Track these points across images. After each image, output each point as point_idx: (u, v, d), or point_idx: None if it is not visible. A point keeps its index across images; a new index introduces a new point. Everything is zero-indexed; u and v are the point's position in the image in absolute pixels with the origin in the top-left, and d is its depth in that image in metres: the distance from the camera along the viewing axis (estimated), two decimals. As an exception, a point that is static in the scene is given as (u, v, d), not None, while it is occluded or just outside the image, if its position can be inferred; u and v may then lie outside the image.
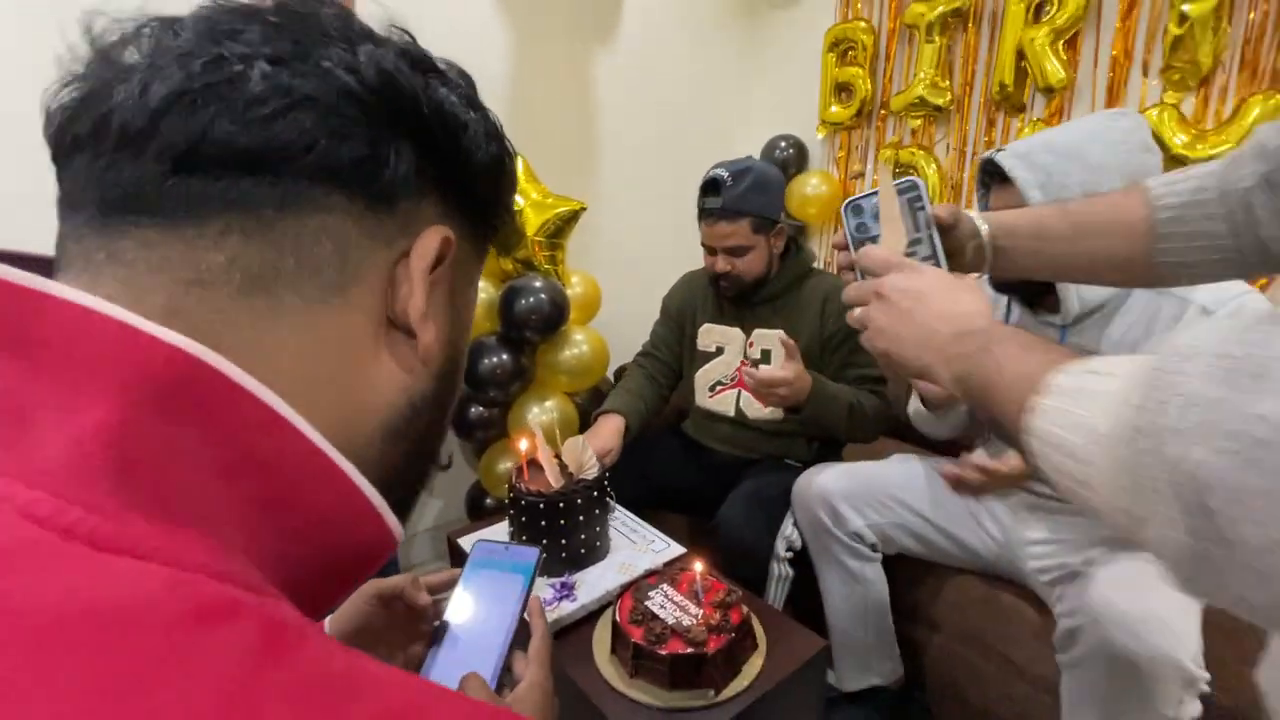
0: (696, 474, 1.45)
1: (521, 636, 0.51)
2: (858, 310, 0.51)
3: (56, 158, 0.25)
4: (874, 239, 0.55)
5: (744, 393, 1.41)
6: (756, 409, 1.39)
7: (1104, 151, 0.86)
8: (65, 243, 0.25)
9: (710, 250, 1.35)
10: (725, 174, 1.27)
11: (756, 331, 1.39)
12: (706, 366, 1.46)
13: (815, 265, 1.42)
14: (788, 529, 1.20)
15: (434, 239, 0.29)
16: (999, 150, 0.93)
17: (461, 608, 0.52)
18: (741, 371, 1.36)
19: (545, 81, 1.84)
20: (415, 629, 0.55)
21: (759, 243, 1.31)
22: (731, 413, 1.43)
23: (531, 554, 0.55)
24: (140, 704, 0.16)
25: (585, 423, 1.78)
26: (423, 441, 0.32)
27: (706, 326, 1.46)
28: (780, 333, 1.30)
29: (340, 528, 0.26)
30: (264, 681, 0.18)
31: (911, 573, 1.21)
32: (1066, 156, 0.87)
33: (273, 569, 0.23)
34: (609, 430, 1.33)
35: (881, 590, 1.18)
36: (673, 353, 1.53)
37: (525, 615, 0.51)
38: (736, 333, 1.42)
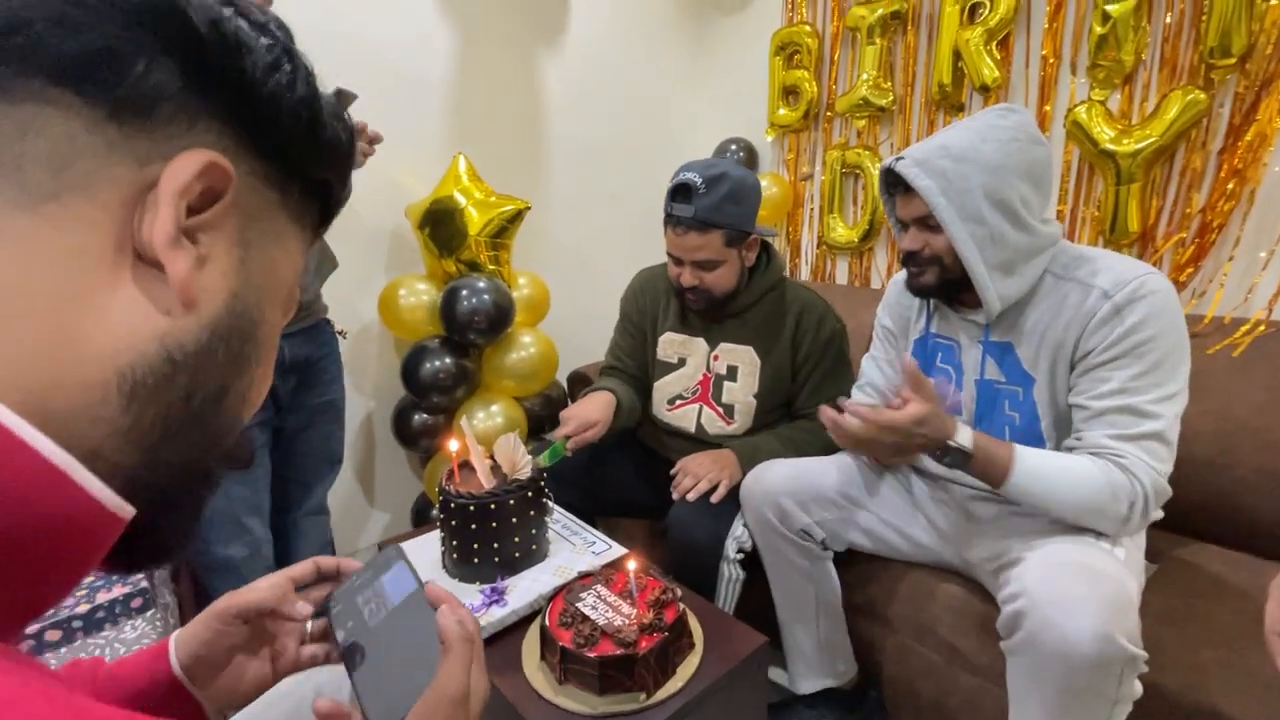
0: (652, 483, 1.34)
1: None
2: None
3: None
4: None
5: (705, 409, 1.33)
6: (719, 426, 1.31)
7: (996, 150, 0.87)
8: None
9: (676, 260, 1.22)
10: (698, 179, 1.13)
11: (723, 345, 1.29)
12: (666, 378, 1.36)
13: (785, 275, 1.33)
14: (738, 529, 1.16)
15: (192, 160, 0.25)
16: (897, 159, 0.93)
17: (363, 630, 0.48)
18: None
19: (491, 85, 1.81)
20: (283, 634, 0.51)
21: (730, 256, 1.19)
22: (691, 429, 1.33)
23: (393, 557, 0.52)
24: None
25: (534, 429, 1.73)
26: (190, 408, 0.26)
27: (668, 336, 1.35)
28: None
29: (13, 502, 0.21)
30: None
31: (865, 570, 1.19)
32: (963, 160, 0.87)
33: None
34: (599, 403, 1.23)
35: (833, 589, 1.15)
36: (638, 363, 1.41)
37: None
38: (700, 344, 1.31)
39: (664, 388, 1.37)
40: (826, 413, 0.93)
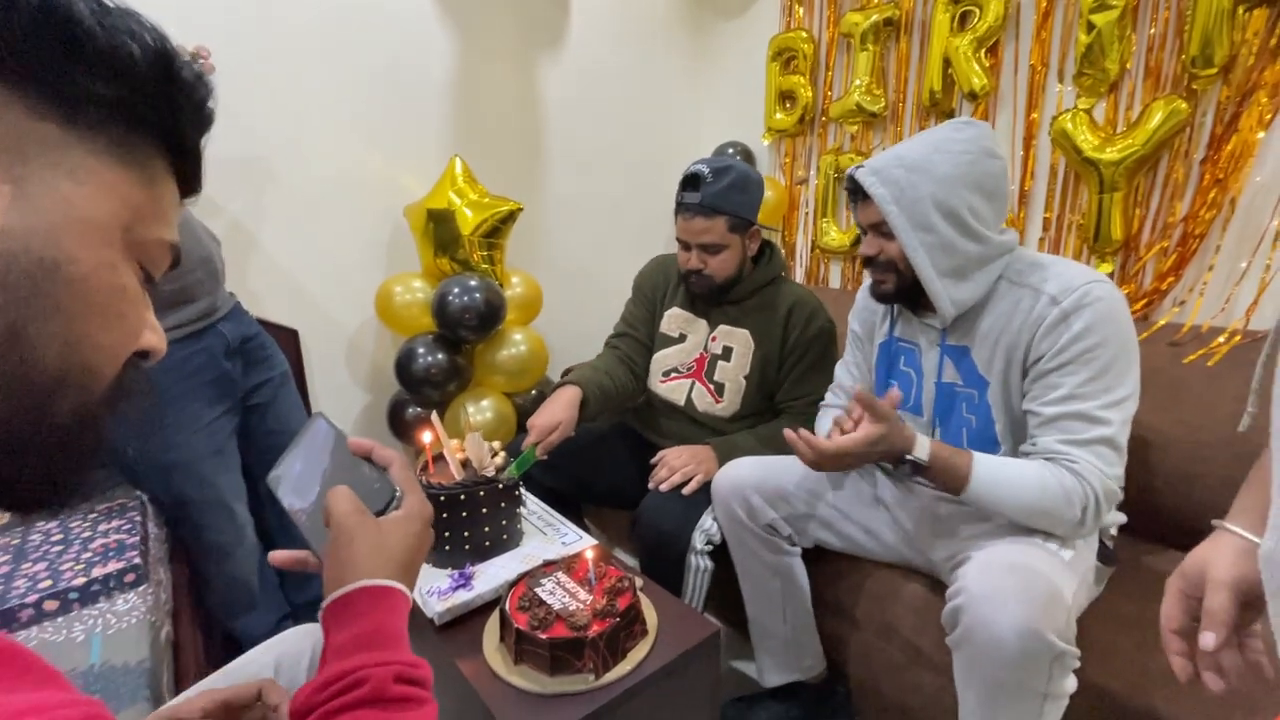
0: (640, 472, 1.37)
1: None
2: None
3: None
4: None
5: (697, 384, 1.40)
6: (708, 402, 1.38)
7: (947, 162, 0.90)
8: None
9: (684, 245, 1.32)
10: (706, 170, 1.25)
11: (721, 328, 1.38)
12: (666, 351, 1.44)
13: (783, 273, 1.40)
14: (706, 522, 1.20)
15: None
16: (858, 167, 0.97)
17: (302, 487, 0.56)
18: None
19: (490, 87, 1.86)
20: None
21: (734, 242, 1.29)
22: (681, 402, 1.41)
23: (315, 420, 0.60)
24: None
25: (524, 424, 1.78)
26: None
27: (674, 311, 1.44)
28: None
29: None
30: None
31: (833, 568, 1.21)
32: (915, 170, 0.91)
33: None
34: (562, 402, 1.29)
35: (802, 585, 1.18)
36: (647, 332, 1.49)
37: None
38: (702, 325, 1.41)
39: (662, 359, 1.44)
40: (788, 434, 0.96)
